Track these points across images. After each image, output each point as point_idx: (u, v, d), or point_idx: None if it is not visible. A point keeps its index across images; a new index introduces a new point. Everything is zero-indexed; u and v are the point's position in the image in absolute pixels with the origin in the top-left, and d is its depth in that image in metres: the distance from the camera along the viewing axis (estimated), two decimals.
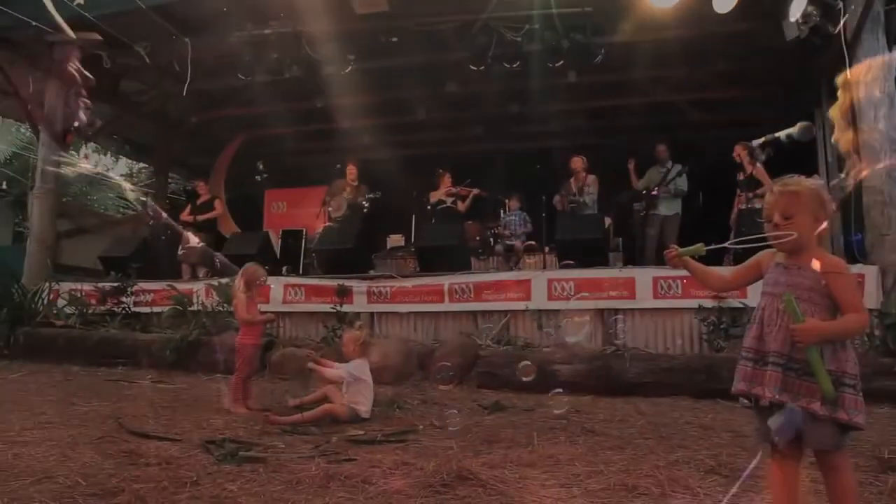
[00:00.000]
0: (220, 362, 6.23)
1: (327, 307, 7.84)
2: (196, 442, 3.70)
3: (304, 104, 11.18)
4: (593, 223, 8.49)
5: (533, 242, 9.89)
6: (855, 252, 7.18)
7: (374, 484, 2.89)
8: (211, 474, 3.05)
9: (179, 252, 10.05)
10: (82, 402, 5.08)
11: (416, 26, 8.67)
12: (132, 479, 2.88)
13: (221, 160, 13.81)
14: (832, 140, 7.04)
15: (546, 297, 7.28)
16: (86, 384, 6.17)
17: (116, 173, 18.43)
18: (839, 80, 6.61)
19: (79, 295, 8.83)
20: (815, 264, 2.10)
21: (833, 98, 7.44)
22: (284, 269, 9.90)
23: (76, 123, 9.76)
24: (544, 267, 8.90)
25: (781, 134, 7.86)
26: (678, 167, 9.41)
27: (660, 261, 8.88)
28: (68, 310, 8.65)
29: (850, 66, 6.76)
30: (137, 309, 8.76)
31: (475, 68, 9.07)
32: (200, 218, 10.05)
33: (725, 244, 2.41)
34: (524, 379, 4.70)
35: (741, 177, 8.57)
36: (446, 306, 7.64)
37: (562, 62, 8.86)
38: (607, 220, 9.50)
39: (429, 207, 10.61)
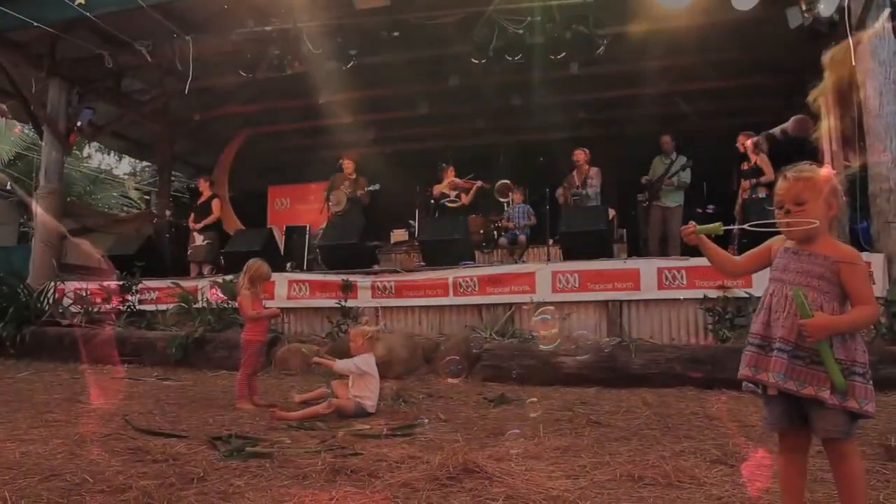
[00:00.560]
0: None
1: (332, 302, 7.85)
2: (202, 438, 3.72)
3: (307, 100, 11.17)
4: (597, 215, 8.47)
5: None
6: (861, 240, 7.15)
7: (381, 478, 2.90)
8: (217, 470, 3.05)
9: (189, 252, 10.12)
10: (89, 399, 5.10)
11: (416, 20, 8.64)
12: (139, 476, 2.89)
13: (224, 157, 13.81)
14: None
15: (550, 289, 7.27)
16: (92, 382, 6.19)
17: (120, 172, 18.49)
18: (825, 59, 6.57)
19: (84, 293, 8.86)
20: (829, 252, 2.08)
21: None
22: (289, 265, 9.93)
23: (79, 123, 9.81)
24: (548, 259, 8.88)
25: (776, 130, 7.85)
26: (682, 159, 9.38)
27: (663, 252, 8.91)
28: (74, 308, 8.68)
29: (855, 53, 6.72)
30: (142, 307, 8.79)
31: (477, 61, 9.04)
32: (200, 225, 10.08)
33: (745, 226, 2.38)
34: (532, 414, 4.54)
35: (745, 166, 8.55)
36: (451, 300, 7.64)
37: (564, 54, 8.82)
38: (611, 212, 9.48)
39: (432, 202, 10.61)
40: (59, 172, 10.13)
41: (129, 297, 8.80)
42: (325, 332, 7.67)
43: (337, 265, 8.61)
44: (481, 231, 10.43)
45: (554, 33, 8.44)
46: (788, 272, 2.14)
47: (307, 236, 11.64)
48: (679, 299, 6.91)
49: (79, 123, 10.11)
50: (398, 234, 11.80)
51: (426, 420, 4.32)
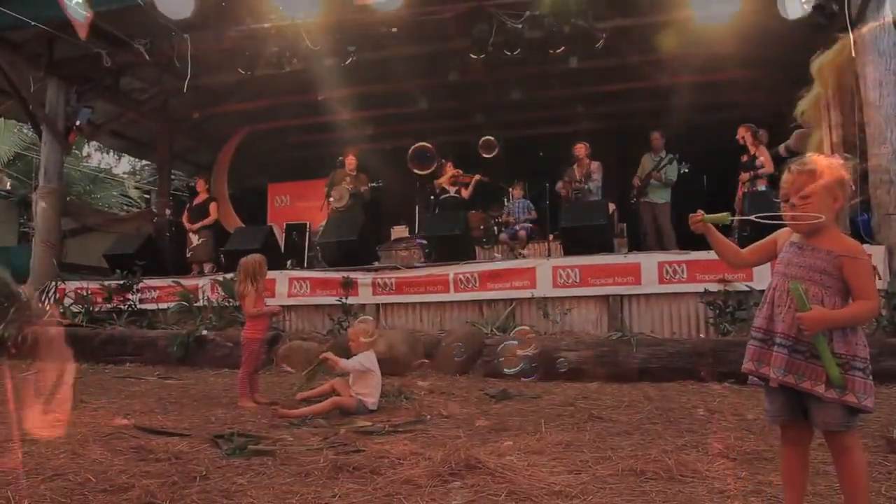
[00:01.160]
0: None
1: (333, 300, 7.85)
2: (205, 437, 3.72)
3: (306, 97, 11.16)
4: (598, 209, 8.47)
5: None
6: (861, 232, 7.15)
7: (383, 474, 2.90)
8: (220, 468, 3.06)
9: (188, 253, 10.14)
10: (91, 399, 5.10)
11: (415, 15, 8.62)
12: (142, 475, 2.89)
13: (224, 155, 13.81)
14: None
15: (551, 284, 7.28)
16: (94, 382, 6.19)
17: (119, 171, 18.50)
18: (813, 67, 6.50)
19: (85, 293, 8.87)
20: (832, 247, 2.07)
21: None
22: (289, 262, 9.92)
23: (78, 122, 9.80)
24: (549, 254, 8.88)
25: (780, 148, 7.84)
26: (671, 156, 9.36)
27: (658, 247, 8.90)
28: (75, 308, 8.68)
29: (855, 45, 6.71)
30: (143, 306, 8.79)
31: (476, 56, 9.02)
32: (196, 226, 10.09)
33: (753, 217, 2.36)
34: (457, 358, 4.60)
35: (745, 158, 8.54)
36: (452, 296, 7.64)
37: (563, 48, 8.80)
38: (611, 206, 9.48)
39: (432, 197, 10.60)
40: (58, 172, 10.12)
41: (130, 296, 8.80)
42: (326, 330, 7.68)
43: (337, 262, 8.62)
44: (482, 227, 10.43)
45: (553, 27, 8.42)
46: (792, 266, 2.13)
47: (307, 233, 11.64)
48: (680, 293, 6.91)
49: (77, 122, 10.09)
50: (398, 231, 11.80)
51: (428, 416, 4.33)
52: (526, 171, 11.05)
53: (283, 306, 7.63)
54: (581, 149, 9.68)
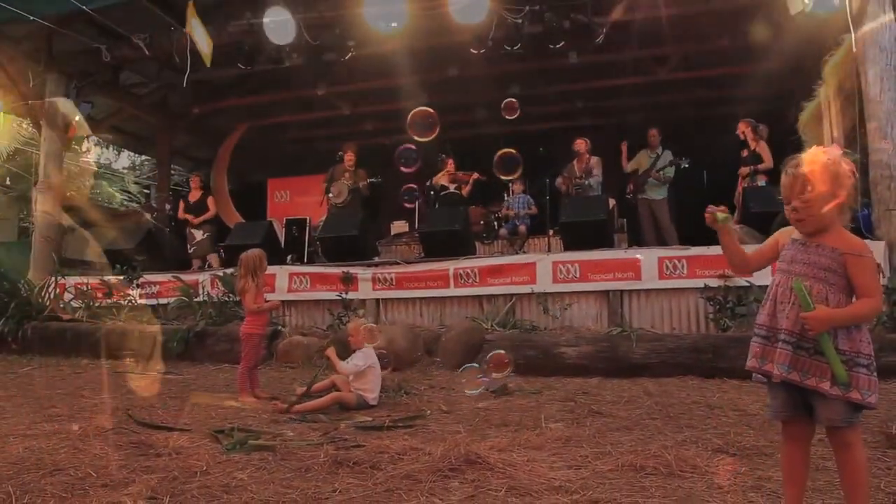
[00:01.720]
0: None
1: (333, 295, 7.85)
2: (205, 432, 3.72)
3: (306, 92, 11.14)
4: (598, 205, 8.46)
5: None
6: (861, 227, 7.14)
7: (383, 469, 2.90)
8: (220, 463, 3.06)
9: (190, 249, 10.15)
10: (91, 394, 5.11)
11: (415, 10, 8.59)
12: (142, 470, 2.90)
13: (224, 150, 13.79)
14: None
15: (551, 279, 7.27)
16: (94, 377, 6.20)
17: (119, 166, 18.49)
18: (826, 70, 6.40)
19: (85, 288, 8.86)
20: (837, 244, 2.05)
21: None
22: (289, 257, 9.92)
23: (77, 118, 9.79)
24: (549, 250, 8.88)
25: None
26: (668, 154, 9.34)
27: (658, 243, 8.90)
28: (75, 303, 8.69)
29: (856, 40, 6.69)
30: (144, 301, 8.78)
31: (476, 51, 9.00)
32: (198, 221, 10.13)
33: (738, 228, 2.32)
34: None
35: (745, 153, 8.53)
36: (452, 291, 7.64)
37: (563, 43, 8.78)
38: (611, 202, 9.47)
39: (432, 193, 10.59)
40: (57, 167, 10.11)
41: (131, 292, 8.79)
42: (326, 325, 7.68)
43: (337, 257, 8.61)
44: (482, 222, 10.42)
45: (553, 22, 8.40)
46: (795, 263, 2.12)
47: (307, 229, 11.63)
48: (680, 289, 6.91)
49: (77, 118, 10.08)
50: (398, 226, 11.79)
51: (428, 412, 4.33)
52: (526, 167, 11.02)
53: (283, 301, 7.63)
54: (581, 144, 9.67)
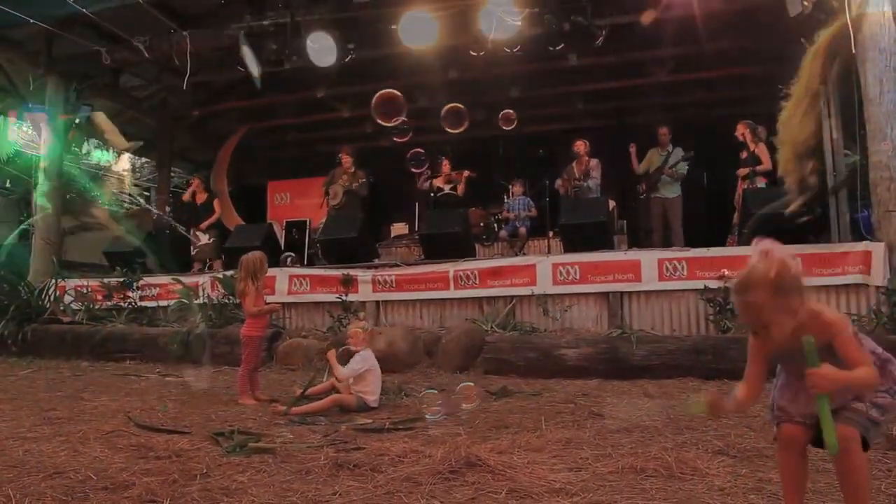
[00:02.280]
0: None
1: (333, 297, 7.85)
2: (205, 434, 3.72)
3: (306, 94, 11.15)
4: (597, 206, 8.46)
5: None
6: (861, 229, 7.15)
7: (384, 472, 2.90)
8: (220, 466, 3.06)
9: (193, 251, 10.16)
10: (91, 397, 5.11)
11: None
12: (142, 473, 2.90)
13: (224, 152, 13.80)
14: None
15: (551, 281, 7.27)
16: (94, 379, 6.20)
17: (119, 169, 18.49)
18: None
19: (85, 291, 8.87)
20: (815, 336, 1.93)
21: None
22: (288, 258, 9.92)
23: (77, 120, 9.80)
24: (548, 251, 8.88)
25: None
26: (679, 151, 9.36)
27: (666, 242, 8.91)
28: (75, 306, 8.69)
29: (855, 41, 6.69)
30: (144, 303, 8.79)
31: (475, 53, 9.01)
32: (205, 224, 10.17)
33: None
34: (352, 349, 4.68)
35: (744, 155, 8.54)
36: (452, 293, 7.64)
37: (563, 45, 8.79)
38: (611, 203, 9.48)
39: (432, 195, 10.60)
40: (57, 169, 10.11)
41: (130, 294, 8.80)
42: (326, 327, 7.68)
43: (337, 259, 8.61)
44: (481, 224, 10.43)
45: (553, 24, 8.40)
46: (792, 363, 2.06)
47: (307, 231, 11.64)
48: (680, 290, 6.91)
49: (77, 120, 10.09)
50: (398, 228, 11.79)
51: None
52: (526, 169, 11.04)
53: (283, 304, 7.62)
54: (581, 146, 9.68)
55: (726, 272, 6.54)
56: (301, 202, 13.54)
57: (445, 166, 10.56)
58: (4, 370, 6.90)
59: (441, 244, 8.30)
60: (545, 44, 8.82)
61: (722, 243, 8.24)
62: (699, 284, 6.70)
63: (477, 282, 7.55)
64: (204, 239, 10.12)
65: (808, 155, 6.18)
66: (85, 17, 8.31)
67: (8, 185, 16.86)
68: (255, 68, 8.69)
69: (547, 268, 7.32)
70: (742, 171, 8.45)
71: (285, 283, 8.27)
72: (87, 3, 8.20)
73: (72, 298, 8.88)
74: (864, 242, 6.54)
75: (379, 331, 6.54)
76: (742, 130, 8.51)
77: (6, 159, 17.45)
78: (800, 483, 2.16)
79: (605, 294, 7.15)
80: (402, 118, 7.80)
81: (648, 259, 7.08)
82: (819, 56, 6.44)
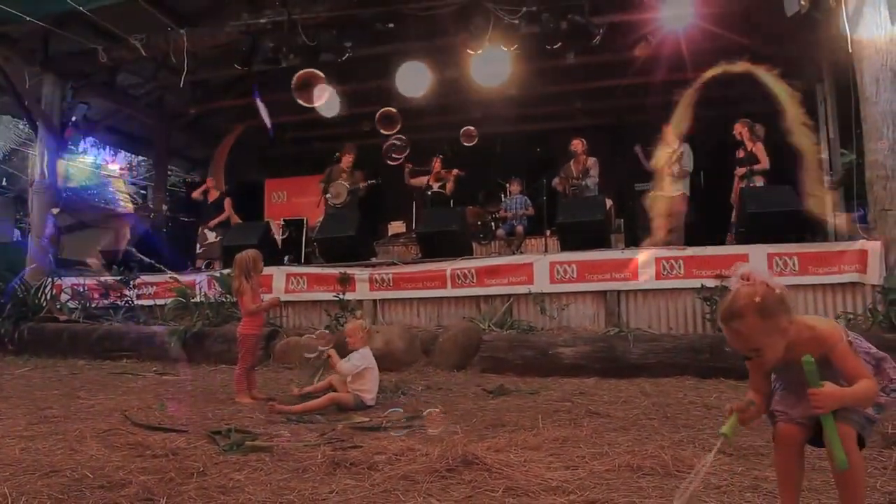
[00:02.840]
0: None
1: (330, 295, 7.85)
2: (202, 433, 3.72)
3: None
4: (595, 205, 8.46)
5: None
6: (857, 227, 7.16)
7: (380, 470, 2.90)
8: (217, 464, 3.06)
9: (199, 249, 10.15)
10: (88, 395, 5.10)
11: (412, 11, 8.60)
12: (139, 471, 2.89)
13: (220, 151, 13.78)
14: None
15: (548, 280, 7.28)
16: (91, 378, 6.19)
17: (115, 167, 18.47)
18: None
19: (81, 289, 8.85)
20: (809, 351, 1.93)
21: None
22: (286, 258, 9.91)
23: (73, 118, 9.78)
24: (546, 250, 8.88)
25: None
26: (685, 147, 9.33)
27: (668, 241, 8.90)
28: (71, 304, 8.67)
29: (851, 40, 6.70)
30: (140, 302, 8.78)
31: (472, 52, 9.00)
32: (214, 222, 10.20)
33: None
34: (321, 348, 4.76)
35: (741, 154, 8.54)
36: (449, 292, 7.64)
37: (560, 44, 8.78)
38: (608, 202, 9.47)
39: (429, 193, 10.60)
40: (54, 168, 10.09)
41: (127, 292, 8.79)
42: (323, 326, 7.67)
43: (334, 258, 8.61)
44: (479, 222, 10.43)
45: (549, 23, 8.40)
46: (789, 378, 2.09)
47: (304, 229, 11.63)
48: (677, 289, 6.92)
49: (73, 118, 10.07)
50: (396, 227, 11.79)
51: (425, 412, 4.33)
52: (523, 167, 11.04)
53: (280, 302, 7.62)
54: (578, 144, 9.67)
55: (723, 272, 6.56)
56: (298, 200, 13.54)
57: (437, 164, 10.56)
58: (1, 368, 6.88)
59: (438, 243, 8.29)
60: (542, 42, 8.81)
61: (721, 243, 8.25)
62: (696, 283, 6.72)
63: (474, 280, 7.55)
64: (211, 237, 10.11)
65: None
66: (82, 14, 8.29)
67: (4, 182, 16.84)
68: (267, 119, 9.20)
69: (544, 266, 7.33)
70: (740, 171, 8.45)
71: (282, 281, 8.27)
72: (84, 0, 8.17)
73: (68, 297, 8.86)
74: (860, 241, 6.56)
75: (376, 329, 6.54)
76: (740, 129, 8.51)
77: (2, 157, 17.43)
78: (796, 481, 2.16)
79: (603, 293, 7.16)
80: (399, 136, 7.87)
81: (645, 258, 7.09)
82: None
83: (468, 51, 8.96)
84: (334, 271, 8.02)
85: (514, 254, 8.84)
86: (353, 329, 4.77)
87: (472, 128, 8.03)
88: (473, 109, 12.55)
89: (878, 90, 6.53)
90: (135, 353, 7.41)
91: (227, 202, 10.32)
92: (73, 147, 14.13)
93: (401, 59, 9.84)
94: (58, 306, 8.57)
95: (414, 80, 9.09)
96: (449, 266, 7.66)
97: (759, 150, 8.31)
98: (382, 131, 7.18)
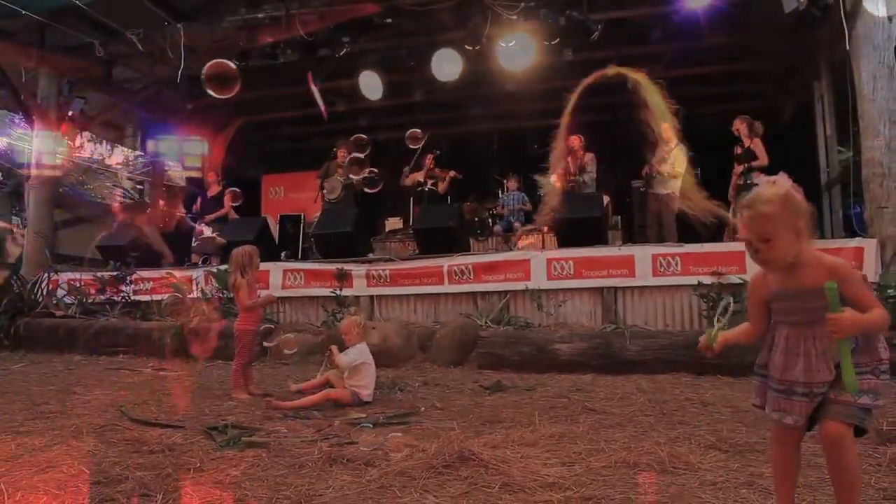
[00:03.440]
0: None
1: (327, 291, 7.85)
2: (198, 428, 3.72)
3: (300, 88, 11.09)
4: (592, 202, 8.46)
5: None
6: (854, 225, 7.18)
7: (377, 466, 2.90)
8: (214, 460, 3.06)
9: (194, 243, 10.12)
10: (84, 391, 5.09)
11: (410, 6, 8.58)
12: (136, 467, 2.89)
13: (217, 146, 13.73)
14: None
15: (545, 276, 7.28)
16: (87, 373, 6.18)
17: (112, 162, 18.42)
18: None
19: (78, 284, 8.83)
20: (818, 279, 1.95)
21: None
22: (283, 254, 9.90)
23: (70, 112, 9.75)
24: (542, 247, 8.88)
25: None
26: (680, 147, 9.32)
27: (659, 239, 8.91)
28: (68, 299, 8.65)
29: (849, 37, 6.71)
30: (137, 297, 8.76)
31: (471, 48, 8.99)
32: (212, 217, 10.16)
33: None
34: (287, 352, 5.12)
35: (739, 150, 8.54)
36: (446, 288, 7.65)
37: (558, 40, 8.78)
38: (606, 199, 9.46)
39: (419, 189, 10.59)
40: (50, 162, 10.05)
41: (124, 288, 8.77)
42: (320, 321, 7.67)
43: (331, 254, 8.60)
44: (476, 218, 10.42)
45: (548, 19, 8.39)
46: (793, 314, 2.08)
47: (301, 225, 11.61)
48: (674, 286, 6.92)
49: (70, 113, 10.03)
50: (393, 223, 11.78)
51: (422, 408, 4.34)
52: (520, 164, 11.03)
53: (277, 298, 7.61)
54: (575, 140, 9.66)
55: (720, 269, 6.58)
56: (295, 196, 13.51)
57: (429, 161, 10.54)
58: None
59: (435, 239, 8.29)
60: (541, 39, 8.80)
61: (719, 239, 8.25)
62: (693, 280, 6.73)
63: (471, 277, 7.55)
64: (208, 232, 10.08)
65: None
66: (78, 8, 8.26)
67: (0, 177, 16.78)
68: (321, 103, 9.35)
69: (541, 263, 7.34)
70: (738, 168, 8.44)
71: (279, 277, 8.26)
72: None
73: (65, 292, 8.84)
74: (856, 239, 6.57)
75: (373, 325, 6.54)
76: (738, 125, 8.50)
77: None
78: (791, 478, 2.17)
79: (600, 289, 7.17)
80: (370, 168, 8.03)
81: (642, 254, 7.10)
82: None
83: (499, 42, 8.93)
84: (331, 267, 8.02)
85: (511, 250, 8.83)
86: (348, 325, 4.77)
87: (417, 130, 8.15)
88: (471, 106, 12.58)
89: (876, 87, 6.55)
90: (131, 348, 7.39)
91: (227, 198, 10.29)
92: (69, 142, 14.07)
93: (400, 55, 9.86)
94: (54, 301, 8.55)
95: (443, 66, 9.44)
96: (446, 262, 7.67)
97: (758, 146, 8.31)
98: (213, 94, 7.09)
